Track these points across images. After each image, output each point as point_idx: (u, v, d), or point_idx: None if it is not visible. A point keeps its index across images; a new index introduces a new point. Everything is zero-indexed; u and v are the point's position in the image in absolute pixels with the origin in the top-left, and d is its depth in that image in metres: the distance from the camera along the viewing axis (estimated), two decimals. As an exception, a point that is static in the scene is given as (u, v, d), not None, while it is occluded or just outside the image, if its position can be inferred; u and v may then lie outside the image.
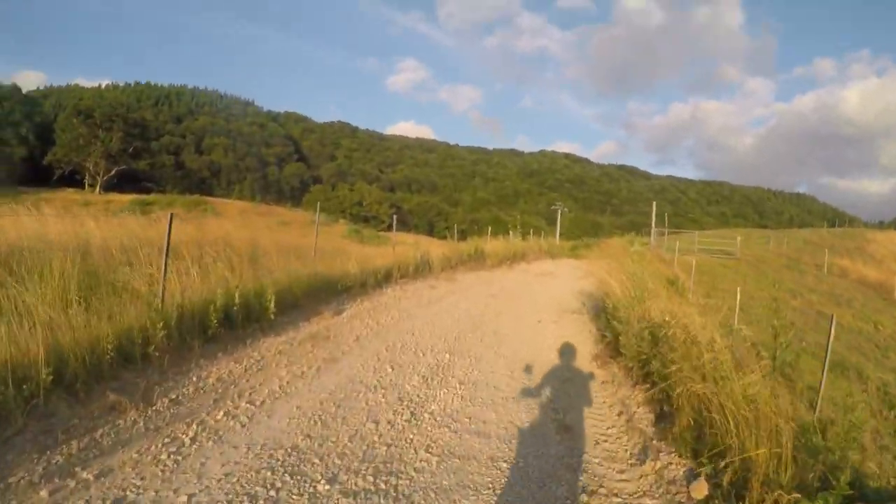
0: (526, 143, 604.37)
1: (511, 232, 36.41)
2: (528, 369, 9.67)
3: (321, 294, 13.63)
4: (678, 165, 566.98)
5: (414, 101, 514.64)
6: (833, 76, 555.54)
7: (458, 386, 8.40)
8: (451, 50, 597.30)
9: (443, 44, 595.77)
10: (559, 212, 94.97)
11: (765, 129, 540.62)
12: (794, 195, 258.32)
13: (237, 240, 14.64)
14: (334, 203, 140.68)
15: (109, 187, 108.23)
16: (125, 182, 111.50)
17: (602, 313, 13.76)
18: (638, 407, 7.91)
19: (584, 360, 10.78)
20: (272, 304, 10.60)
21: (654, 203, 35.94)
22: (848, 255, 45.65)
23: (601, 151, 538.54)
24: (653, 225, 34.48)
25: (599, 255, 42.98)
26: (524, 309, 16.04)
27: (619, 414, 7.85)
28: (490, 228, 32.38)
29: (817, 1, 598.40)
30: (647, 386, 8.11)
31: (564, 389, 8.80)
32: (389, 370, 8.80)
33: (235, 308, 9.74)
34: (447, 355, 10.02)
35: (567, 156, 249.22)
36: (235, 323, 9.78)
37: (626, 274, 14.86)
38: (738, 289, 10.64)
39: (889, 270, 42.22)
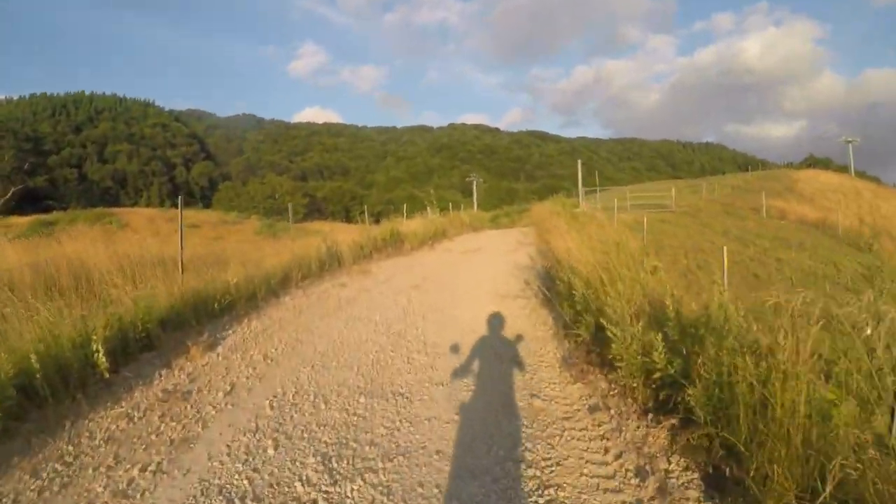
0: (434, 118, 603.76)
1: (428, 208, 33.51)
2: (476, 409, 6.38)
3: (191, 321, 10.00)
4: (585, 126, 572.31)
5: (317, 86, 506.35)
6: (732, 29, 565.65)
7: (378, 470, 5.12)
8: (351, 30, 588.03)
9: (342, 24, 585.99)
10: (474, 183, 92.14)
11: (668, 84, 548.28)
12: (702, 145, 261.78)
13: (86, 260, 11.36)
14: (245, 199, 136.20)
15: (9, 210, 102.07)
16: (26, 203, 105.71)
17: (558, 297, 10.92)
18: (675, 465, 4.80)
19: (551, 373, 7.74)
20: (102, 356, 7.08)
21: (579, 162, 33.10)
22: (779, 196, 44.56)
23: (509, 119, 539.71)
24: (580, 185, 31.84)
25: (529, 221, 40.92)
26: (457, 300, 13.28)
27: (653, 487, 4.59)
28: (406, 207, 29.03)
29: None
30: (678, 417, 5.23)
31: (536, 436, 5.67)
32: (271, 452, 5.51)
33: (38, 377, 6.28)
34: (361, 399, 6.81)
35: (476, 126, 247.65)
36: (43, 399, 6.34)
37: (580, 240, 12.27)
38: (725, 248, 7.80)
39: (824, 208, 41.83)
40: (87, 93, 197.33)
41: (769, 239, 29.04)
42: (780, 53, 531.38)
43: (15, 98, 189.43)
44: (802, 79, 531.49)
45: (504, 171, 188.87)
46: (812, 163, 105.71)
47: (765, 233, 30.98)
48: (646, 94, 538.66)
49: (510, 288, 14.24)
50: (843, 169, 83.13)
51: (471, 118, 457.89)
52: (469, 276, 16.39)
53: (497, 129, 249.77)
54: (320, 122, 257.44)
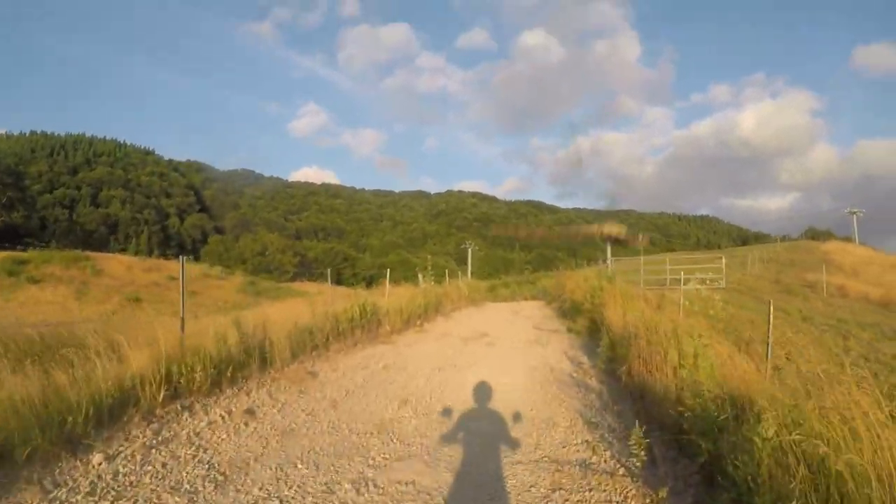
0: (431, 185, 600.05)
1: (420, 275, 27.48)
2: None
3: None
4: (580, 197, 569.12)
5: (316, 146, 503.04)
6: (728, 101, 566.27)
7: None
8: (352, 93, 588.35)
9: (343, 87, 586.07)
10: (469, 250, 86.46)
11: (664, 157, 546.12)
12: (697, 217, 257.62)
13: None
14: (234, 254, 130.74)
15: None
16: (5, 238, 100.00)
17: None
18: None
19: None
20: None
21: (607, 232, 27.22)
22: (818, 270, 39.06)
23: (506, 188, 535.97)
24: (608, 254, 25.81)
25: (535, 293, 35.00)
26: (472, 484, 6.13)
27: None
28: (388, 273, 22.54)
29: (712, 28, 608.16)
30: None
31: None
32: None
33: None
34: None
35: (474, 194, 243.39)
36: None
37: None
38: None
39: (876, 283, 36.29)
40: (87, 135, 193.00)
41: (855, 325, 23.18)
42: (776, 125, 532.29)
43: (14, 134, 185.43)
44: (797, 151, 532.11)
45: (499, 240, 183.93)
46: (813, 235, 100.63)
47: (844, 316, 25.37)
48: (641, 166, 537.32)
49: (569, 442, 7.54)
50: (847, 241, 78.57)
51: (468, 185, 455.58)
52: (494, 409, 9.21)
53: (494, 198, 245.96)
54: (318, 181, 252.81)
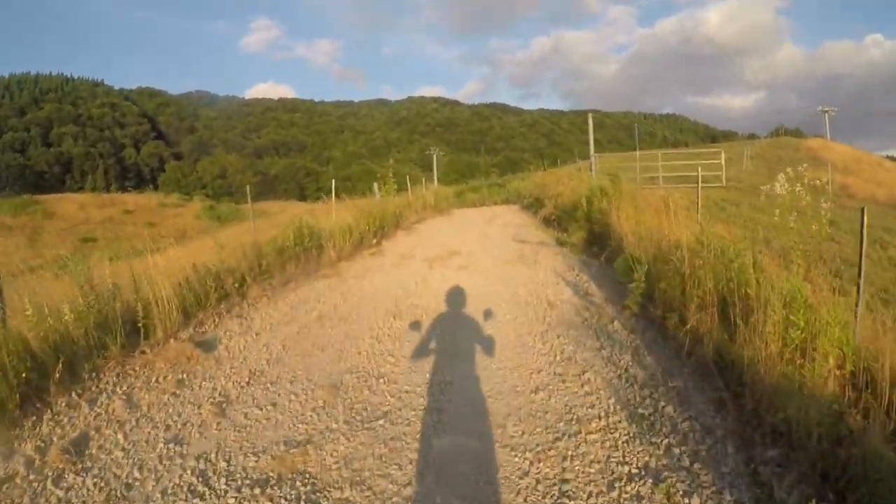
0: (391, 92, 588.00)
1: (376, 185, 23.80)
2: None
3: None
4: (544, 98, 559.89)
5: (271, 61, 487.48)
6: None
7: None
8: (303, 3, 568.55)
9: None
10: (434, 156, 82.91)
11: (628, 55, 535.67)
12: (663, 116, 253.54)
13: None
14: (193, 179, 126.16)
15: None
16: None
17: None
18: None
19: None
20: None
21: (590, 117, 23.41)
22: (813, 168, 36.02)
23: (467, 92, 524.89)
24: (591, 150, 22.30)
25: (507, 198, 31.64)
26: None
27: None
28: (334, 186, 18.57)
29: None
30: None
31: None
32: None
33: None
34: None
35: (436, 99, 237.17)
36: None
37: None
38: None
39: (875, 181, 33.67)
40: (32, 74, 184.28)
41: (882, 230, 20.45)
42: (741, 23, 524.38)
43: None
44: (763, 50, 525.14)
45: (464, 144, 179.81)
46: (782, 132, 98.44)
47: (869, 221, 21.69)
48: (605, 65, 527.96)
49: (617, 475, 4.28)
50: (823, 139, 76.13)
51: (429, 91, 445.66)
52: (464, 390, 6.19)
53: (457, 102, 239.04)
54: (275, 97, 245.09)
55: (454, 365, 6.41)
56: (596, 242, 11.65)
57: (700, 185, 10.76)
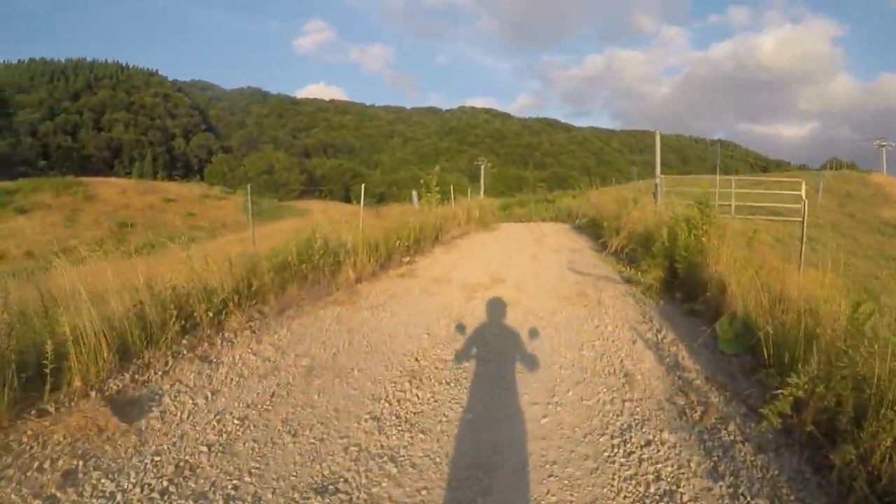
0: (442, 101, 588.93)
1: (415, 194, 21.26)
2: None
3: None
4: (594, 116, 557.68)
5: (324, 63, 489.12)
6: (747, 24, 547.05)
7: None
8: (358, 8, 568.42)
9: (349, 2, 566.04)
10: (482, 167, 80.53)
11: (680, 78, 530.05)
12: (714, 142, 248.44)
13: None
14: (239, 173, 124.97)
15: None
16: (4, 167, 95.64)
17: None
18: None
19: None
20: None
21: (657, 134, 20.55)
22: (884, 206, 33.60)
23: (519, 105, 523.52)
24: (657, 170, 19.57)
25: (555, 215, 29.21)
26: None
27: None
28: (363, 189, 16.19)
29: None
30: None
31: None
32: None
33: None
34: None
35: (487, 111, 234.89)
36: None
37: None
38: None
39: None
40: (87, 60, 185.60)
41: None
42: (796, 51, 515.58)
43: (13, 62, 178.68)
44: (817, 79, 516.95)
45: (513, 157, 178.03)
46: (836, 165, 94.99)
47: None
48: (657, 86, 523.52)
49: None
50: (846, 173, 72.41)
51: (480, 102, 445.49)
52: None
53: (507, 115, 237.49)
54: (326, 98, 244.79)
55: (494, 487, 4.03)
56: (680, 287, 9.14)
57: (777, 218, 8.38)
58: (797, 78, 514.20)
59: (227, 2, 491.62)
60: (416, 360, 6.58)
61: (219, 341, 6.98)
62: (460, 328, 7.86)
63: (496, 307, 9.01)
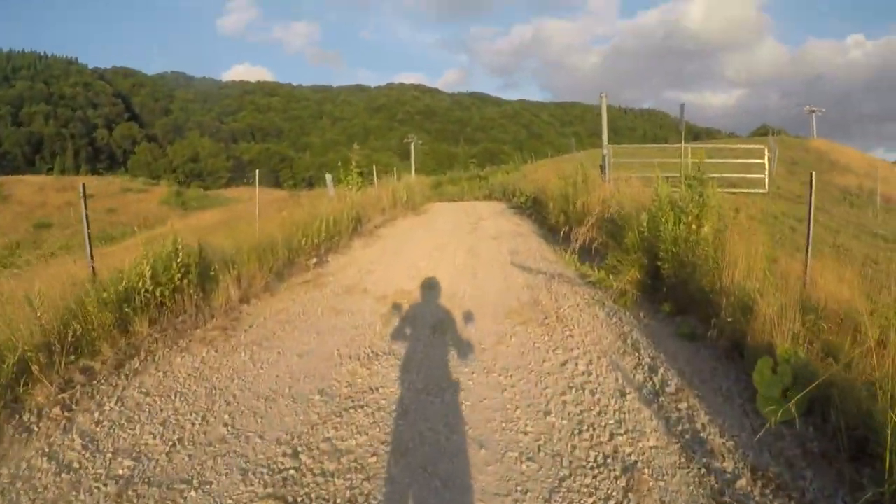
0: (370, 77, 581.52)
1: (329, 178, 18.86)
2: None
3: None
4: (524, 88, 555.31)
5: (246, 43, 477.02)
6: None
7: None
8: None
9: None
10: (412, 145, 78.11)
11: (608, 47, 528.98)
12: (644, 111, 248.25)
13: None
14: (164, 163, 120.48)
15: None
16: None
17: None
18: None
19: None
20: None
21: (602, 96, 18.01)
22: (834, 173, 32.45)
23: (447, 80, 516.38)
24: (605, 139, 17.23)
25: (489, 193, 27.14)
26: None
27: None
28: (257, 176, 13.08)
29: None
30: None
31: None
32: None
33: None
34: None
35: (416, 87, 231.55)
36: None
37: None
38: None
39: None
40: (3, 50, 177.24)
41: None
42: (724, 17, 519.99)
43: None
44: (745, 46, 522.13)
45: (444, 133, 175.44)
46: (765, 132, 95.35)
47: None
48: (585, 56, 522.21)
49: None
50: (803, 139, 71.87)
51: (408, 77, 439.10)
52: None
53: (437, 90, 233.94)
54: (252, 79, 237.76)
55: None
56: (668, 296, 6.82)
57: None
58: (725, 45, 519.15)
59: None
60: (295, 453, 4.15)
61: (10, 431, 4.50)
62: (370, 377, 5.45)
63: (422, 334, 6.64)
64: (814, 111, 67.82)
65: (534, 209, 17.37)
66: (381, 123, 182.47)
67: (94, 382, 5.47)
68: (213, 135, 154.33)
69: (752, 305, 5.10)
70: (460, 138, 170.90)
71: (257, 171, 13.47)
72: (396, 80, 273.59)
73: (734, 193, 17.23)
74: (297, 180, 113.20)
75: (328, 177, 17.36)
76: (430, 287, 8.75)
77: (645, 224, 7.55)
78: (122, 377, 5.63)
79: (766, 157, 21.38)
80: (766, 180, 20.71)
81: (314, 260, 10.66)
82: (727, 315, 5.41)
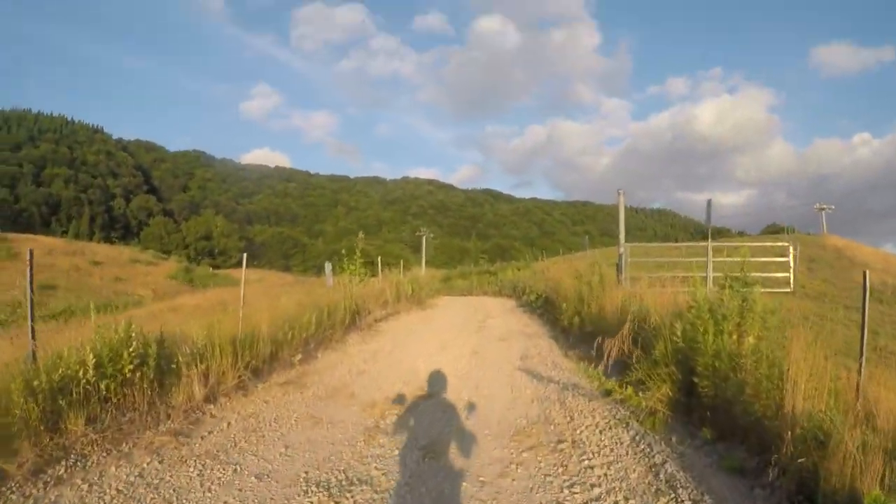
0: (384, 170, 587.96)
1: (328, 266, 17.53)
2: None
3: None
4: (536, 187, 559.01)
5: (268, 128, 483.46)
6: (686, 94, 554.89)
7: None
8: (304, 74, 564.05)
9: (296, 67, 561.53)
10: (424, 238, 77.68)
11: (621, 148, 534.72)
12: (654, 211, 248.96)
13: None
14: (177, 238, 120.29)
15: None
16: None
17: None
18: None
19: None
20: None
21: (620, 195, 16.82)
22: (852, 268, 31.41)
23: (460, 176, 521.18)
24: (621, 237, 16.04)
25: (498, 289, 26.13)
26: None
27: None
28: (245, 260, 11.98)
29: (670, 20, 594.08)
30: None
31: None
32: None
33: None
34: None
35: (430, 182, 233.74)
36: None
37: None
38: None
39: None
40: (32, 111, 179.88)
41: None
42: (734, 120, 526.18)
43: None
44: (754, 147, 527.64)
45: (456, 228, 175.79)
46: (775, 230, 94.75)
47: None
48: (597, 157, 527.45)
49: None
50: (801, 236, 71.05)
51: (422, 172, 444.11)
52: None
53: (451, 186, 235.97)
54: (270, 164, 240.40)
55: None
56: (710, 420, 5.68)
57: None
58: (734, 146, 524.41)
59: (177, 61, 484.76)
60: None
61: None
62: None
63: (410, 458, 5.52)
64: (823, 209, 67.18)
65: (545, 308, 16.32)
66: (394, 216, 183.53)
67: (2, 489, 4.41)
68: (228, 215, 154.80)
69: (825, 439, 4.00)
70: (472, 233, 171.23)
71: (244, 254, 12.40)
72: (412, 174, 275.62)
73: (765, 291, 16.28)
74: (308, 266, 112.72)
75: (327, 266, 16.22)
76: (426, 396, 7.65)
77: (679, 333, 6.43)
78: (40, 486, 4.58)
79: (791, 255, 20.39)
80: (792, 279, 19.64)
81: (299, 356, 9.53)
82: (792, 450, 4.28)
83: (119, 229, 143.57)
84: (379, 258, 21.78)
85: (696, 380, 5.89)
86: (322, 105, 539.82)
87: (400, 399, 7.43)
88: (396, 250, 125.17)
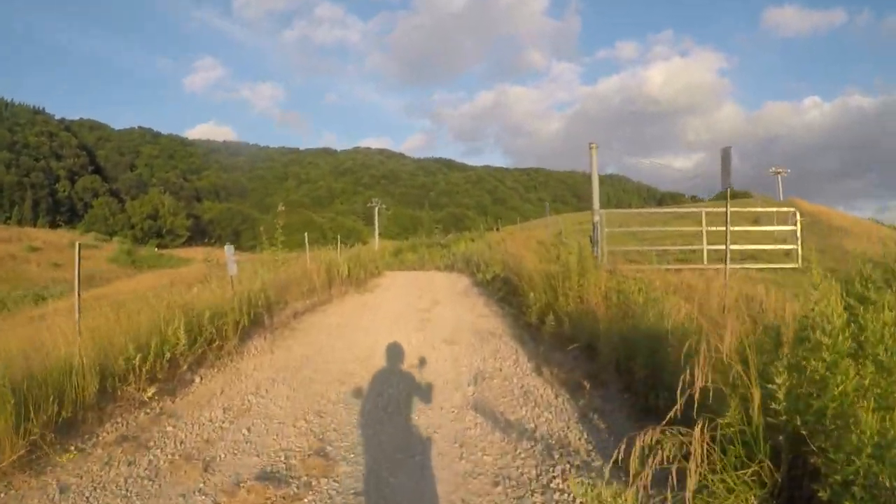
0: (335, 141, 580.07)
1: (231, 252, 12.72)
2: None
3: None
4: (487, 154, 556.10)
5: (213, 102, 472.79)
6: (636, 58, 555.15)
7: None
8: (248, 45, 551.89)
9: (239, 38, 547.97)
10: (376, 209, 75.17)
11: (571, 113, 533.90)
12: (606, 176, 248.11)
13: None
14: (122, 218, 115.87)
15: None
16: None
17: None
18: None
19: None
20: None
21: (592, 147, 14.16)
22: (838, 236, 29.55)
23: (411, 144, 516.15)
24: (595, 202, 13.32)
25: (449, 262, 23.94)
26: None
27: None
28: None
29: None
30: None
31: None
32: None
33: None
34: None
35: (381, 151, 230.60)
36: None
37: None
38: None
39: None
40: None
41: None
42: (684, 83, 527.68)
43: None
44: (704, 110, 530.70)
45: (408, 198, 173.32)
46: (733, 195, 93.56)
47: None
48: (547, 122, 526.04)
49: None
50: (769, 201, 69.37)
51: (373, 142, 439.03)
52: None
53: (402, 155, 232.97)
54: (218, 139, 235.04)
55: None
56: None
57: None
58: (685, 109, 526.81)
59: (118, 36, 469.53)
60: None
61: None
62: None
63: None
64: (779, 172, 65.63)
65: (504, 293, 13.69)
66: (346, 187, 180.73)
67: None
68: (176, 192, 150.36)
69: None
70: (425, 203, 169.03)
71: (78, 243, 9.54)
72: (363, 144, 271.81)
73: (761, 270, 13.78)
74: (259, 241, 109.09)
75: (228, 248, 12.84)
76: (328, 463, 4.98)
77: (781, 393, 3.32)
78: None
79: (798, 226, 17.76)
80: (798, 252, 16.86)
81: (151, 390, 6.51)
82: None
83: (65, 213, 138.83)
84: (306, 235, 19.32)
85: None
86: (268, 76, 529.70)
87: (290, 468, 4.57)
88: (349, 223, 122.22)
